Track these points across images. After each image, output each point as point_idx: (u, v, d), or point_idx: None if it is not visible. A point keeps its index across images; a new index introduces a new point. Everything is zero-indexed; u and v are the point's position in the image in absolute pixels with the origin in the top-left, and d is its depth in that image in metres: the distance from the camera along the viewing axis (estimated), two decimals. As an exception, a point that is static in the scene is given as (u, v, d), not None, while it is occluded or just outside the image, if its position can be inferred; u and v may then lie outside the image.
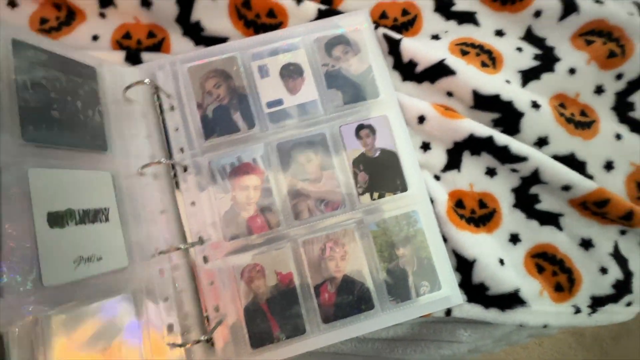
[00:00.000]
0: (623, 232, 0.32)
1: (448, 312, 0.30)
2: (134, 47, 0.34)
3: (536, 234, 0.32)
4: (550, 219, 0.32)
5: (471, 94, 0.32)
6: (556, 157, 0.32)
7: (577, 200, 0.31)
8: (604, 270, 0.31)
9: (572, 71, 0.34)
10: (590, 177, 0.32)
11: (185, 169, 0.30)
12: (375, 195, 0.31)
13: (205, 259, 0.29)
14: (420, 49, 0.33)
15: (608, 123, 0.34)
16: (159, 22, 0.34)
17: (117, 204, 0.26)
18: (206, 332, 0.27)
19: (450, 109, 0.33)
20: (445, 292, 0.30)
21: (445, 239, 0.31)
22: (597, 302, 0.31)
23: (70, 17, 0.34)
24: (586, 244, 0.32)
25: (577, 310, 0.31)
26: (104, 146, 0.27)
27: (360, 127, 0.32)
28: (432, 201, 0.32)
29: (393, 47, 0.34)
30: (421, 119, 0.33)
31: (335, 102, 0.32)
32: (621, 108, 0.34)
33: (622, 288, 0.31)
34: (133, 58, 0.33)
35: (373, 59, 0.34)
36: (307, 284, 0.29)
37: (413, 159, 0.32)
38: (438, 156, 0.33)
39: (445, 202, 0.32)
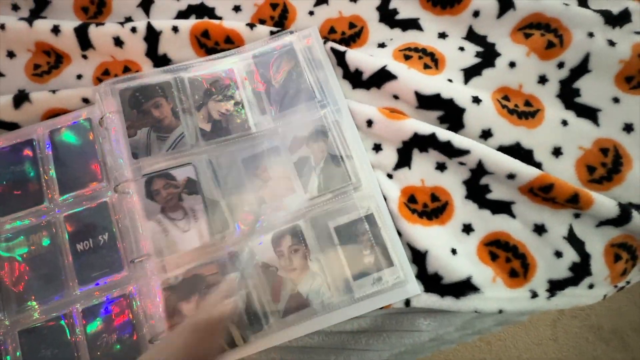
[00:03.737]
0: (577, 216, 0.33)
1: (407, 302, 0.32)
2: (112, 82, 0.38)
3: (489, 223, 0.33)
4: (502, 208, 0.33)
5: (414, 95, 0.34)
6: (502, 148, 0.34)
7: (524, 187, 0.33)
8: (558, 254, 0.32)
9: (512, 64, 0.35)
10: (538, 164, 0.33)
11: (155, 185, 0.34)
12: (330, 196, 0.33)
13: (178, 265, 0.32)
14: (363, 58, 0.36)
15: (554, 110, 0.35)
16: (132, 58, 0.39)
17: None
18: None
19: (396, 110, 0.35)
20: (403, 284, 0.32)
21: (400, 234, 0.33)
22: (556, 286, 0.32)
23: (58, 61, 0.39)
24: (539, 229, 0.33)
25: (534, 295, 0.31)
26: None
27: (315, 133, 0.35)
28: (385, 198, 0.34)
29: (340, 59, 0.37)
30: (369, 123, 0.35)
31: (284, 114, 0.35)
32: (566, 95, 0.35)
33: (580, 270, 0.32)
34: (111, 91, 0.37)
35: (322, 71, 0.36)
36: (261, 282, 0.32)
37: (365, 160, 0.35)
38: (389, 156, 0.35)
39: (397, 198, 0.34)
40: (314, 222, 0.33)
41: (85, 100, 0.37)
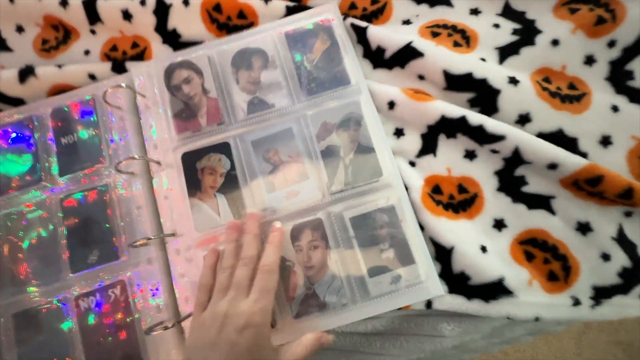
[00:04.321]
0: (629, 214, 0.29)
1: (429, 304, 0.29)
2: (120, 58, 0.37)
3: (524, 219, 0.30)
4: (540, 202, 0.30)
5: (442, 75, 0.31)
6: (542, 135, 0.30)
7: (567, 179, 0.29)
8: (606, 257, 0.28)
9: (555, 43, 0.31)
10: (583, 154, 0.29)
11: (159, 164, 0.32)
12: (357, 190, 0.30)
13: (178, 251, 0.30)
14: (386, 34, 0.33)
15: (602, 95, 0.31)
16: (141, 33, 0.37)
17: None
18: (176, 322, 0.28)
19: (421, 92, 0.32)
20: (424, 283, 0.29)
21: (422, 227, 0.30)
22: (601, 293, 0.28)
23: (66, 36, 0.38)
24: (583, 228, 0.29)
25: (576, 302, 0.28)
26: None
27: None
28: (407, 188, 0.31)
29: (361, 36, 0.34)
30: (391, 105, 0.32)
31: (304, 94, 0.32)
32: (617, 78, 0.31)
33: (631, 277, 0.28)
34: (118, 68, 0.36)
35: (343, 49, 0.33)
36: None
37: (385, 145, 0.31)
38: (412, 141, 0.32)
39: (420, 188, 0.30)
40: (336, 216, 0.30)
41: (92, 77, 0.35)
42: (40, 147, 0.33)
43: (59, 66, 0.35)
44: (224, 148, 0.32)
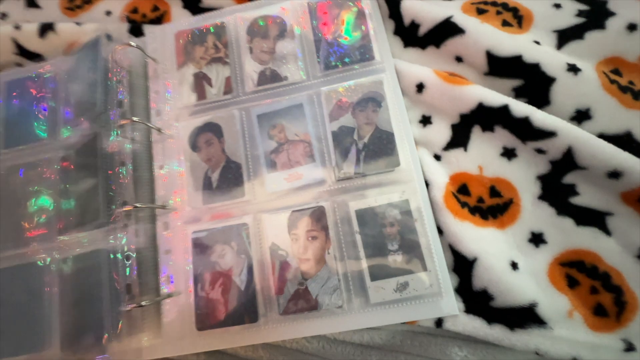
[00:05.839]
0: None
1: (439, 322, 0.24)
2: (139, 21, 0.35)
3: (570, 237, 0.24)
4: (592, 219, 0.24)
5: (484, 57, 0.27)
6: (604, 136, 0.24)
7: (632, 193, 0.23)
8: (675, 296, 0.22)
9: (631, 27, 0.26)
10: (656, 165, 0.24)
11: (159, 131, 0.30)
12: (368, 180, 0.27)
13: (167, 225, 0.28)
14: (423, 7, 0.29)
15: (689, 95, 0.25)
16: (162, -4, 0.35)
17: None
18: (152, 301, 0.26)
19: (457, 75, 0.28)
20: (436, 296, 0.24)
21: (440, 231, 0.25)
22: (665, 341, 0.22)
23: (92, -4, 0.37)
24: (647, 256, 0.23)
25: (629, 348, 0.22)
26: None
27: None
28: (427, 184, 0.26)
29: (393, 9, 0.30)
30: (420, 88, 0.28)
31: (321, 68, 0.29)
32: None
33: None
34: (136, 31, 0.34)
35: (370, 21, 0.30)
36: (266, 266, 0.26)
37: (407, 132, 0.27)
38: (440, 131, 0.28)
39: (444, 185, 0.26)
40: (340, 206, 0.26)
41: (108, 37, 0.34)
42: (50, 107, 0.32)
43: (78, 23, 0.34)
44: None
